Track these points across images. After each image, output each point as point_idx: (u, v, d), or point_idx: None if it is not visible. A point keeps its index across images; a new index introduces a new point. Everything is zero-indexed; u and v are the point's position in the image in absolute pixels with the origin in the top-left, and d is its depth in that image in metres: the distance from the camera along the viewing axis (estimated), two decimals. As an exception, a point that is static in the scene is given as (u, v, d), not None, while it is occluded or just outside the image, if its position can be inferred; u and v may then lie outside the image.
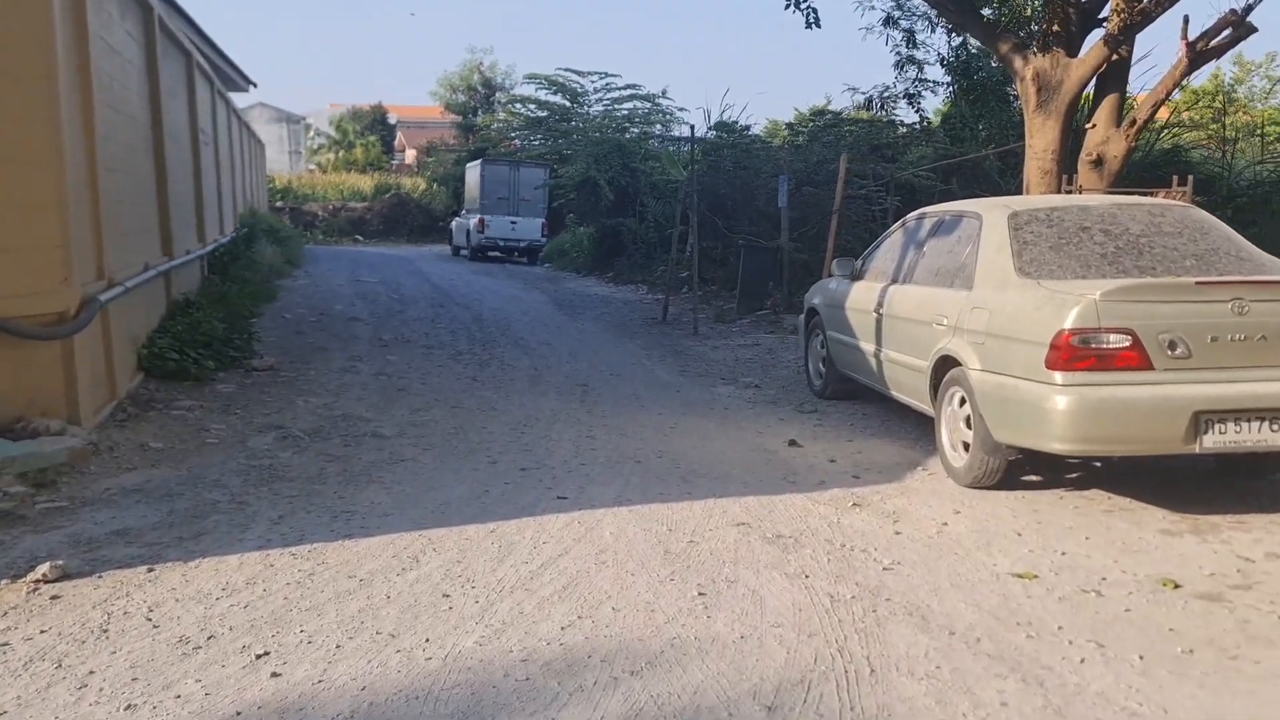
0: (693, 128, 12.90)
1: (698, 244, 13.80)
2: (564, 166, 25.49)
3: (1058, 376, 5.07)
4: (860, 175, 15.89)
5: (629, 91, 34.46)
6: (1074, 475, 6.07)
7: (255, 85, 31.00)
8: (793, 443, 6.93)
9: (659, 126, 31.19)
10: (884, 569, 4.53)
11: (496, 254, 27.44)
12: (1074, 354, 5.02)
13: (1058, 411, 5.02)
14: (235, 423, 6.89)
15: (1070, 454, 5.28)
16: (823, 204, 15.70)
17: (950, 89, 18.84)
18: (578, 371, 9.62)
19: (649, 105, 34.16)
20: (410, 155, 61.99)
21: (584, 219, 24.24)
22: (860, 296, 7.57)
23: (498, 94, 42.96)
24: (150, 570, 4.32)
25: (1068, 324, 5.03)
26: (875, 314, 7.16)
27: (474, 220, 27.02)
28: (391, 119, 65.78)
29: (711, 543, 4.83)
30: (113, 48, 7.76)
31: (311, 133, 69.93)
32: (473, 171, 28.75)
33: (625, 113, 33.19)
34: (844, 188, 11.95)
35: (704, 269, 17.77)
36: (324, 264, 22.17)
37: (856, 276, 7.87)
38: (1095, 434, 5.04)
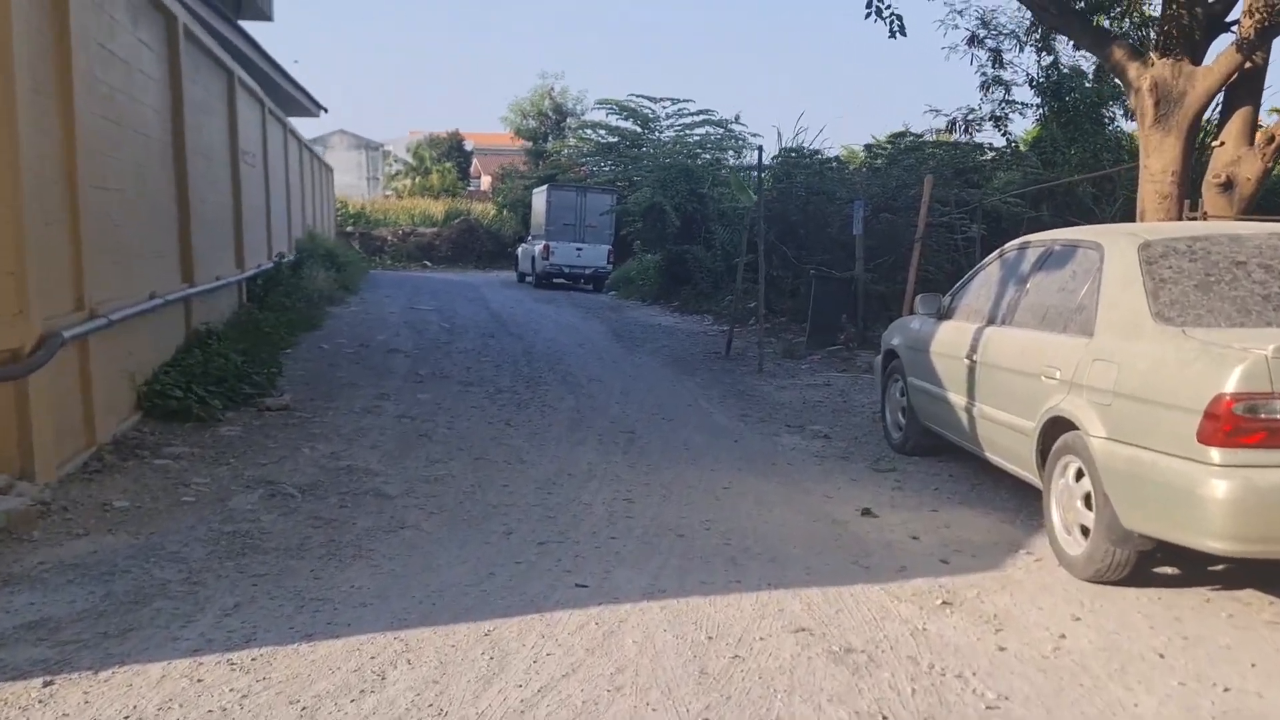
0: (760, 150, 11.88)
1: (765, 273, 12.74)
2: (633, 193, 24.67)
3: (1215, 454, 3.91)
4: (942, 201, 14.68)
5: (701, 117, 33.58)
6: (1220, 568, 4.86)
7: (325, 110, 30.79)
8: (867, 512, 5.82)
9: (731, 153, 30.24)
10: (988, 708, 3.43)
11: (562, 281, 26.68)
12: (1238, 426, 3.86)
13: (1216, 501, 3.86)
14: (224, 475, 6.01)
15: (1231, 554, 4.09)
16: (900, 232, 14.55)
17: (1040, 111, 17.57)
18: (626, 415, 8.62)
19: (721, 131, 33.24)
20: (486, 181, 62.16)
21: (650, 246, 23.33)
22: (949, 339, 6.44)
23: (568, 120, 42.43)
24: (48, 684, 3.40)
25: (1230, 387, 3.87)
26: (967, 361, 6.03)
27: (539, 246, 26.30)
28: (468, 146, 66.10)
29: (761, 659, 3.77)
30: (116, 56, 7.04)
31: (391, 159, 70.60)
32: (539, 197, 28.08)
33: (697, 139, 32.31)
34: (927, 214, 10.79)
35: (772, 300, 16.70)
36: (383, 290, 21.58)
37: (944, 315, 6.74)
38: (1266, 532, 3.87)
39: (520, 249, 29.45)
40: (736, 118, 34.28)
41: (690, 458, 7.11)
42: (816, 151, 15.83)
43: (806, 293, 16.04)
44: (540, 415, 8.37)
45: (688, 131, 33.58)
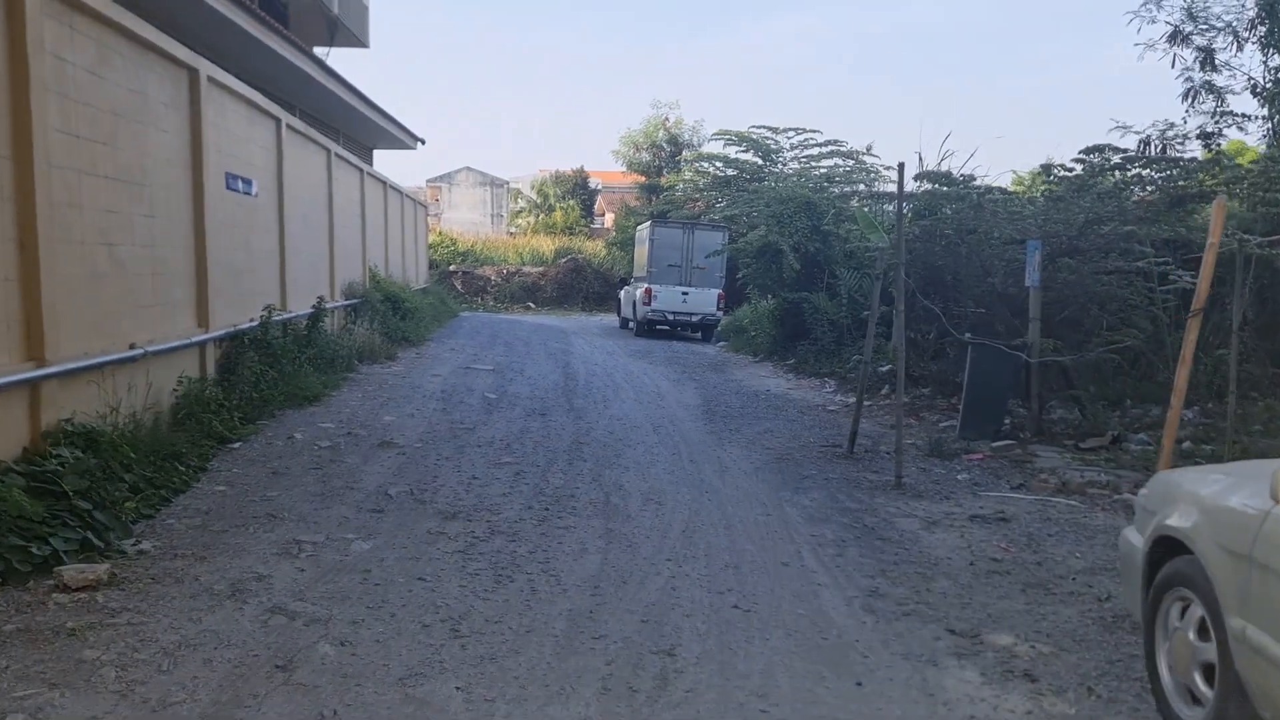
0: (900, 166, 8.17)
1: (903, 336, 9.06)
2: (751, 230, 21.18)
3: None
4: (1143, 241, 10.66)
5: (829, 148, 30.00)
6: None
7: (423, 142, 28.49)
8: None
9: (862, 186, 26.47)
10: None
11: (665, 328, 23.31)
12: None
13: None
14: None
15: None
16: (1088, 283, 10.58)
17: (1269, 124, 13.36)
18: (673, 598, 5.06)
19: (851, 163, 29.54)
20: (609, 220, 60.05)
21: (763, 292, 19.75)
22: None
23: (684, 152, 39.18)
24: None
25: None
26: None
27: (640, 290, 23.00)
28: (594, 184, 64.34)
29: None
30: None
31: (518, 197, 69.25)
32: (642, 234, 24.81)
33: (823, 171, 28.70)
34: (1212, 261, 6.55)
35: (911, 363, 12.92)
36: (455, 340, 18.59)
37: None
38: None
39: (623, 292, 26.23)
40: (868, 148, 30.43)
41: (767, 747, 3.53)
42: (970, 178, 12.01)
43: (958, 358, 12.20)
44: (527, 602, 4.89)
45: (813, 164, 30.01)
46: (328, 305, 12.47)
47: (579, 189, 60.19)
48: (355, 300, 15.55)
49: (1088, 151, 10.77)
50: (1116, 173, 10.81)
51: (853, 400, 13.01)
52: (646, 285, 22.67)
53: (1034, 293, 10.20)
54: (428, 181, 70.82)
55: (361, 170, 17.03)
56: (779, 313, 18.20)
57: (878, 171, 28.68)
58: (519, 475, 7.55)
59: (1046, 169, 10.98)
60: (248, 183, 10.37)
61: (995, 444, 9.56)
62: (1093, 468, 8.67)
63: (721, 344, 21.61)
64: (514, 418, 10.15)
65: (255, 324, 9.84)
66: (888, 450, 9.45)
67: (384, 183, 19.93)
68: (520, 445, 8.73)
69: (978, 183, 12.13)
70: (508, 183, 73.66)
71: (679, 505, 6.99)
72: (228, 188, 9.71)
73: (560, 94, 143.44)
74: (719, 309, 22.72)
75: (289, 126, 11.81)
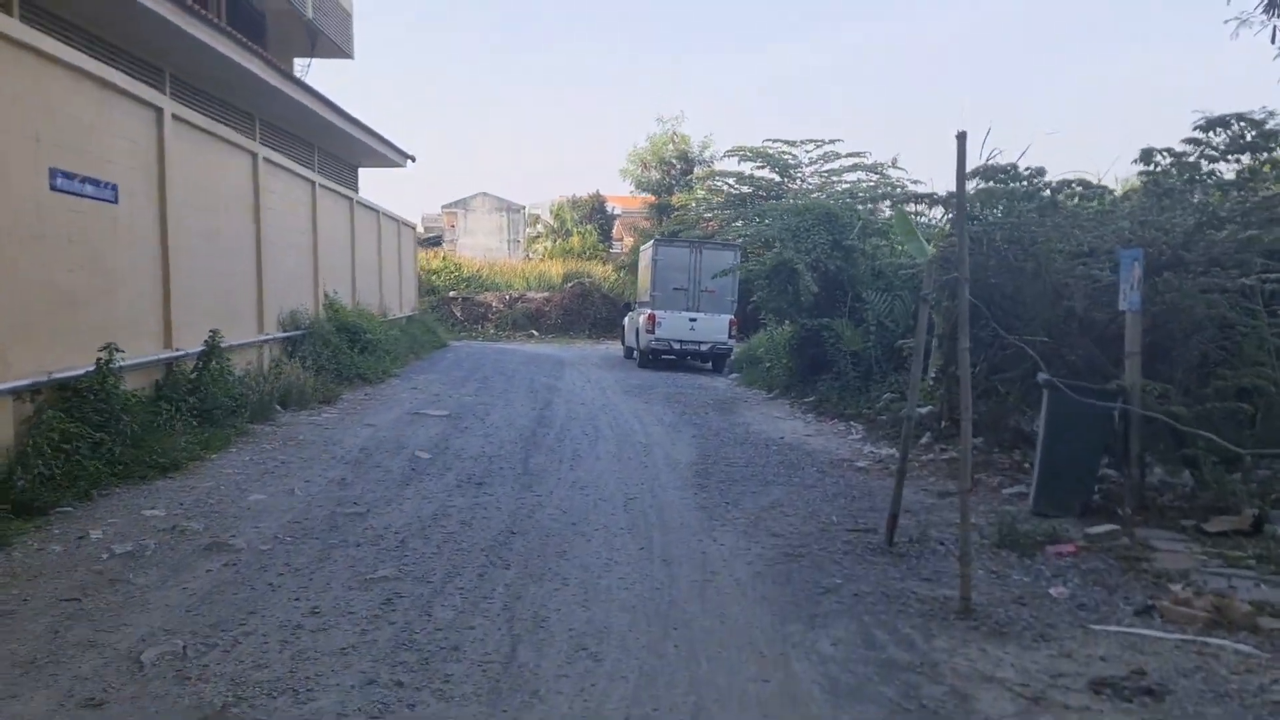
0: (961, 135, 5.42)
1: (968, 381, 6.31)
2: (768, 250, 18.55)
3: None
4: (1269, 253, 7.94)
5: (851, 161, 27.47)
6: None
7: (413, 159, 26.16)
8: None
9: (887, 203, 23.87)
10: None
11: (672, 358, 20.65)
12: None
13: None
14: None
15: None
16: (1195, 306, 7.85)
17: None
18: None
19: (876, 176, 26.98)
20: (627, 244, 57.91)
21: (779, 316, 17.06)
22: None
23: (696, 169, 36.58)
24: None
25: None
26: None
27: (643, 316, 20.37)
28: (613, 209, 62.20)
29: None
30: None
31: (538, 223, 67.24)
32: (645, 255, 22.19)
33: (846, 186, 26.17)
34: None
35: (956, 404, 10.18)
36: (428, 375, 16.01)
37: None
38: None
39: (627, 318, 23.61)
40: (894, 161, 27.90)
41: None
42: (1040, 170, 9.30)
43: (1021, 398, 9.50)
44: None
45: (835, 178, 27.49)
46: (225, 342, 9.82)
47: (596, 213, 58.01)
48: (297, 332, 13.01)
49: (1205, 129, 8.03)
50: (1245, 156, 8.05)
51: (885, 452, 10.34)
52: (650, 311, 20.03)
53: (1131, 318, 7.48)
54: (443, 207, 68.79)
55: (313, 183, 14.52)
56: (796, 341, 15.51)
57: (904, 186, 26.10)
58: (389, 604, 4.89)
59: (1146, 155, 8.28)
60: (102, 185, 7.86)
61: (1090, 530, 6.81)
62: (1241, 570, 5.91)
63: (734, 376, 18.93)
64: (436, 491, 7.49)
65: (93, 370, 7.27)
66: (940, 537, 6.77)
67: (350, 198, 17.44)
68: (422, 541, 6.07)
69: (1048, 178, 9.38)
70: (525, 208, 71.54)
71: (625, 662, 4.31)
72: (56, 188, 7.19)
73: (580, 120, 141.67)
74: (731, 337, 20.03)
75: (177, 118, 9.30)
